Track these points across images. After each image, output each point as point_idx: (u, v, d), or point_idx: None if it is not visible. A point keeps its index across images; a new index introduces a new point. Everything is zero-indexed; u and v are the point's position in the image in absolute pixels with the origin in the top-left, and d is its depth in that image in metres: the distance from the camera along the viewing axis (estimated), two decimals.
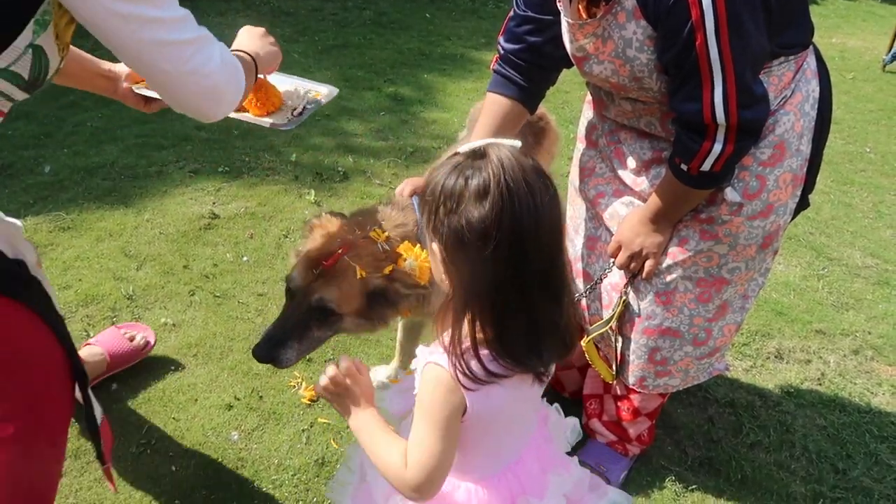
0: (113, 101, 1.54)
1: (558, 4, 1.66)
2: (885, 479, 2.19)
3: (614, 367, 1.91)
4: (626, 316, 1.84)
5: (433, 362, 1.16)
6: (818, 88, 1.67)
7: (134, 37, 1.16)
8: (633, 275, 1.79)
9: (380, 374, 2.37)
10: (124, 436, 2.09)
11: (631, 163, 1.79)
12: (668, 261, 1.74)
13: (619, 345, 1.88)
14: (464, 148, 1.13)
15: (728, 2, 1.36)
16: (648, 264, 1.74)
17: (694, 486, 2.10)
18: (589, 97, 1.95)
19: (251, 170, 3.59)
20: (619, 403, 2.07)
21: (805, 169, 1.70)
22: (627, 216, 1.78)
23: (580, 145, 1.99)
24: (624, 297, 1.81)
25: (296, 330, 1.63)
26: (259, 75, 1.59)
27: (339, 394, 1.28)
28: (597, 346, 1.96)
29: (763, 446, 2.26)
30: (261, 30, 1.63)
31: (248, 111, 1.75)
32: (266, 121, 1.74)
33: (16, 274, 1.29)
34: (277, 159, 3.69)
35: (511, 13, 1.82)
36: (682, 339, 1.82)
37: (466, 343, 1.13)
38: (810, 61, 1.66)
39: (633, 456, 2.13)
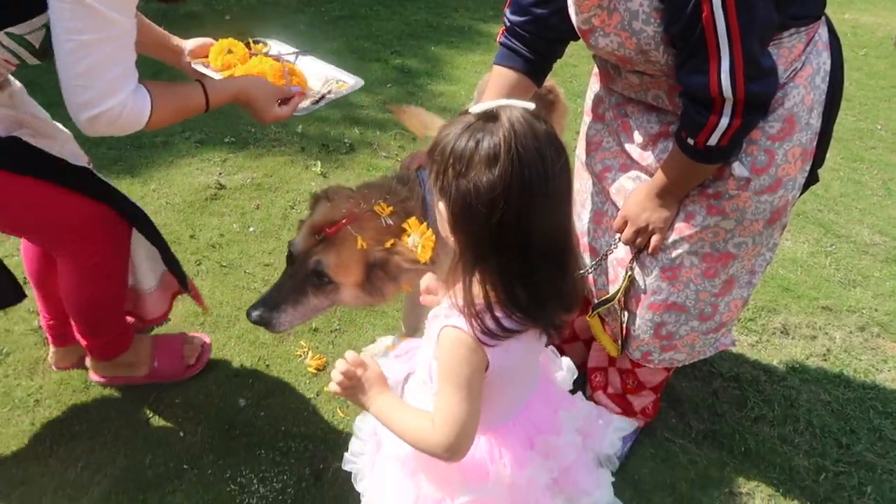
0: None
1: None
2: (888, 455, 2.20)
3: (620, 342, 1.91)
4: (631, 291, 1.83)
5: (450, 325, 1.17)
6: (829, 61, 1.64)
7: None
8: (639, 250, 1.78)
9: (386, 343, 2.38)
10: (133, 403, 2.11)
11: (638, 137, 1.77)
12: (673, 236, 1.73)
13: (625, 320, 1.88)
14: (476, 108, 1.11)
15: None
16: (654, 239, 1.73)
17: (697, 459, 2.11)
18: (596, 70, 1.93)
19: (257, 141, 3.58)
20: (623, 377, 2.07)
21: (815, 143, 1.67)
22: (634, 191, 1.76)
23: (587, 118, 1.98)
24: (630, 273, 1.80)
25: (292, 294, 1.62)
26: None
27: (354, 386, 1.29)
28: (602, 321, 1.96)
29: (767, 420, 2.27)
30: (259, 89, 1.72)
31: None
32: None
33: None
34: (283, 130, 3.67)
35: None
36: (687, 313, 1.82)
37: (479, 302, 1.13)
38: (822, 33, 1.63)
39: (638, 428, 2.14)
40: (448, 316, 1.18)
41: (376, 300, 1.69)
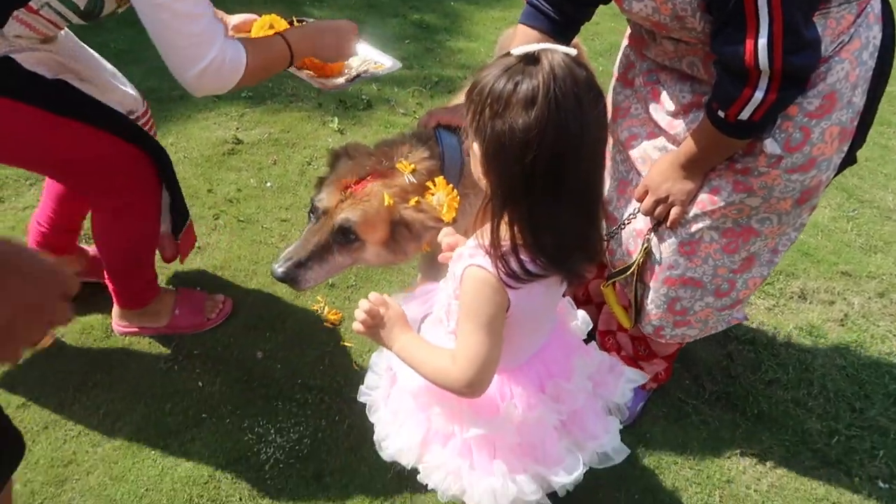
0: (137, 22, 1.51)
1: None
2: None
3: (632, 314, 1.90)
4: (647, 264, 1.81)
5: (475, 265, 1.19)
6: (881, 35, 1.53)
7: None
8: (658, 222, 1.74)
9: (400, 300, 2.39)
10: (152, 353, 2.14)
11: (668, 105, 1.71)
12: (695, 210, 1.68)
13: (640, 293, 1.86)
14: (517, 50, 1.11)
15: None
16: (674, 211, 1.68)
17: (710, 420, 2.12)
18: (629, 32, 1.87)
19: (274, 96, 3.55)
20: (635, 343, 2.07)
21: (856, 123, 1.58)
22: (658, 160, 1.71)
23: (615, 83, 1.92)
24: (646, 245, 1.77)
25: (317, 251, 1.62)
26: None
27: (377, 325, 1.31)
28: (616, 292, 1.94)
29: (781, 383, 2.27)
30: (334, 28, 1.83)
31: (308, 69, 1.93)
32: (316, 81, 1.93)
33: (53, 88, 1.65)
34: (301, 86, 3.64)
35: None
36: (703, 289, 1.79)
37: (505, 244, 1.15)
38: (875, 4, 1.53)
39: (650, 389, 2.15)
40: (473, 256, 1.20)
41: (398, 258, 1.69)
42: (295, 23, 1.97)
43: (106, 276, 2.06)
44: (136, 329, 2.16)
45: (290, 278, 1.62)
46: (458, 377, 1.22)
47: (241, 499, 1.78)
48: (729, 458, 2.04)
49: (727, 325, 1.96)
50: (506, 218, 1.14)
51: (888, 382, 2.32)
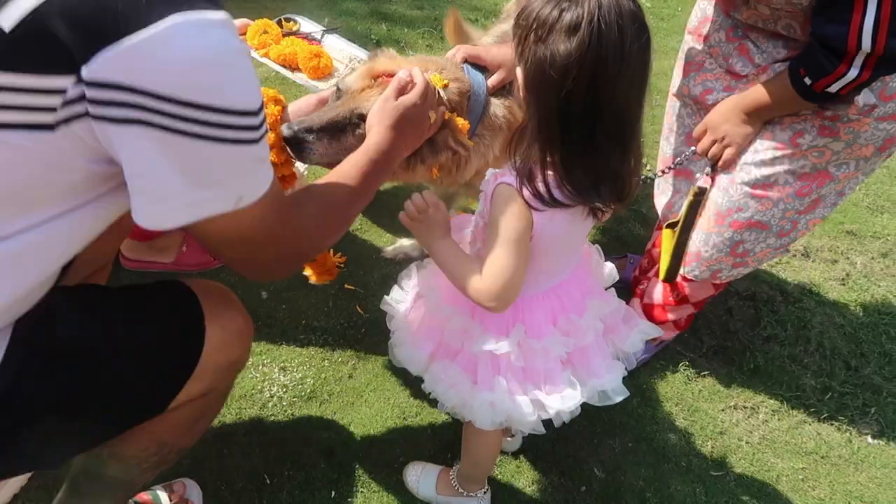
0: None
1: None
2: (895, 379, 2.23)
3: (670, 267, 1.91)
4: (712, 209, 1.80)
5: (504, 183, 1.22)
6: None
7: None
8: (713, 165, 1.75)
9: (406, 246, 2.40)
10: None
11: (758, 59, 1.68)
12: (774, 153, 1.66)
13: (686, 241, 1.86)
14: None
15: None
16: (728, 152, 1.70)
17: (706, 373, 2.16)
18: None
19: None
20: (669, 288, 2.07)
21: None
22: (722, 101, 1.71)
23: (688, 37, 1.89)
24: (696, 189, 1.77)
25: (331, 126, 1.55)
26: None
27: (421, 220, 1.35)
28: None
29: (778, 340, 2.30)
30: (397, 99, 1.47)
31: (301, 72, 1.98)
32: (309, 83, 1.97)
33: None
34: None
35: None
36: (768, 231, 1.78)
37: (535, 167, 1.19)
38: None
39: (661, 342, 2.18)
40: (503, 174, 1.24)
41: (406, 174, 1.67)
42: (283, 23, 1.97)
43: None
44: (144, 263, 2.17)
45: (296, 140, 1.53)
46: (484, 289, 1.26)
47: (245, 433, 1.82)
48: (723, 410, 2.08)
49: (773, 258, 1.97)
50: (540, 143, 1.17)
51: (885, 342, 2.35)
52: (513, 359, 1.36)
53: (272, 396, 1.93)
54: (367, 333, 2.13)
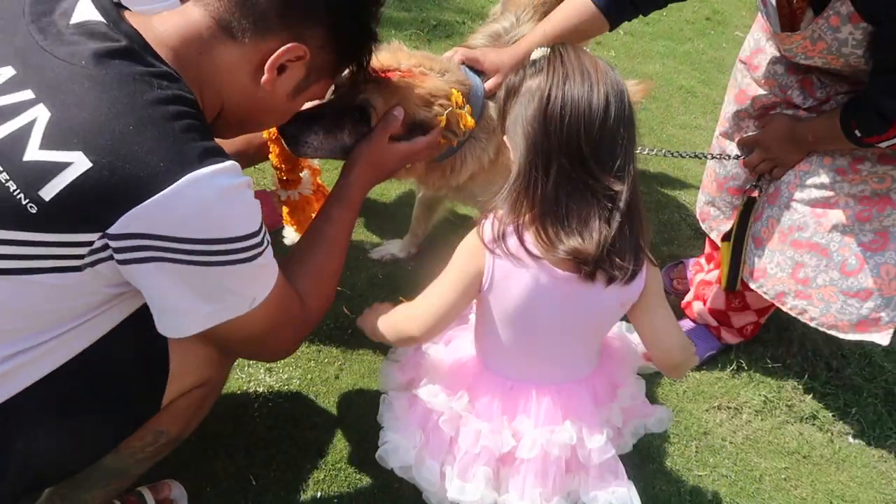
0: None
1: (760, 10, 1.70)
2: (875, 379, 2.26)
3: (730, 277, 1.94)
4: (776, 226, 1.83)
5: (480, 226, 1.25)
6: None
7: None
8: (759, 177, 1.82)
9: (392, 248, 2.40)
10: None
11: (819, 93, 1.73)
12: (834, 176, 1.70)
13: (756, 255, 1.89)
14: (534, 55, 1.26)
15: None
16: (777, 171, 1.78)
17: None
18: (763, 24, 1.82)
19: None
20: (729, 296, 2.10)
21: None
22: (777, 119, 1.77)
23: (740, 65, 1.93)
24: (744, 200, 1.84)
25: (328, 119, 1.54)
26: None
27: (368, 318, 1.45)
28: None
29: (762, 341, 2.32)
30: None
31: None
32: None
33: None
34: None
35: None
36: (829, 259, 1.76)
37: (511, 214, 1.21)
38: None
39: (725, 343, 2.22)
40: (486, 217, 1.26)
41: (401, 172, 1.67)
42: None
43: None
44: None
45: (291, 134, 1.52)
46: (405, 309, 1.30)
47: (230, 434, 1.82)
48: (707, 411, 2.10)
49: (855, 321, 1.80)
50: (524, 186, 1.19)
51: (865, 343, 2.38)
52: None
53: (258, 397, 1.92)
54: (354, 334, 2.13)
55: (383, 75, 1.56)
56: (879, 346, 2.35)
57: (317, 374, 2.00)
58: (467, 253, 1.26)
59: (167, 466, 1.67)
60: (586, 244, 1.15)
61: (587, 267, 1.17)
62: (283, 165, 1.66)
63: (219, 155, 1.05)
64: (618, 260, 1.18)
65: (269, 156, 1.65)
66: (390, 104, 1.53)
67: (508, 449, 1.31)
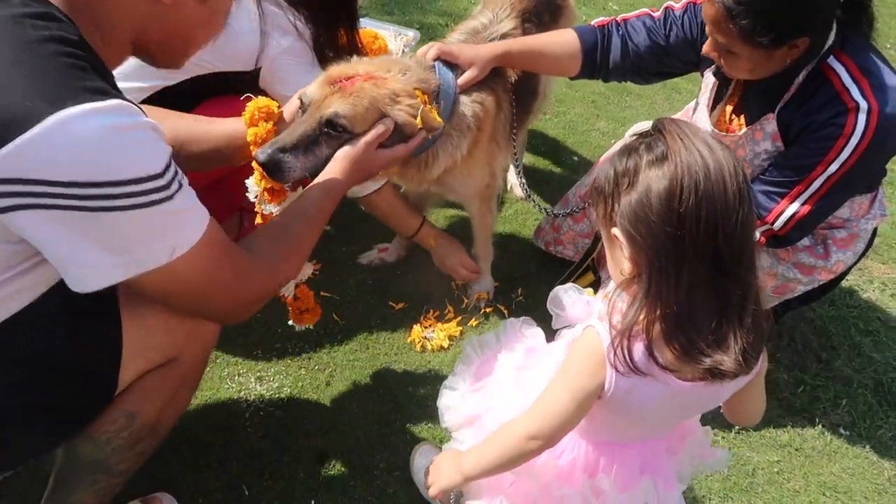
0: None
1: (704, 105, 1.92)
2: (864, 370, 2.27)
3: None
4: None
5: (595, 329, 1.14)
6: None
7: None
8: None
9: (386, 251, 2.41)
10: None
11: None
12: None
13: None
14: (630, 132, 1.18)
15: (859, 159, 1.60)
16: None
17: None
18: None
19: None
20: None
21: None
22: None
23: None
24: None
25: (303, 141, 1.54)
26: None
27: (438, 479, 1.34)
28: None
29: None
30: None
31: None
32: None
33: None
34: None
35: (661, 16, 1.93)
36: None
37: (637, 328, 1.07)
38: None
39: None
40: (602, 319, 1.14)
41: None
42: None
43: None
44: None
45: (273, 162, 1.51)
46: (523, 426, 1.19)
47: (222, 444, 1.80)
48: None
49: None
50: (651, 296, 1.05)
51: (854, 334, 2.40)
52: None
53: (249, 406, 1.91)
54: (343, 340, 2.12)
55: (341, 84, 1.57)
56: (868, 338, 2.38)
57: (308, 381, 1.99)
58: (586, 366, 1.14)
59: (159, 479, 1.66)
60: (726, 359, 1.04)
61: (725, 378, 1.08)
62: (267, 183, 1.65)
63: (101, 94, 0.98)
64: (751, 360, 1.09)
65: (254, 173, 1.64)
66: (357, 109, 1.54)
67: None
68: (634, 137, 1.11)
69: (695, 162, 1.00)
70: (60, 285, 1.11)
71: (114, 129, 0.98)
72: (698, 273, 1.02)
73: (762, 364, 1.20)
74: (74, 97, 0.95)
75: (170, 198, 1.04)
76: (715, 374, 1.06)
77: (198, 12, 1.23)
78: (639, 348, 1.08)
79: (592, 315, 1.19)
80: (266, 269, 1.29)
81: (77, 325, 1.18)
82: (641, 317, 1.06)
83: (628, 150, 1.08)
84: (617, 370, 1.10)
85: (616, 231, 1.09)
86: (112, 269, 1.04)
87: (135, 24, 1.16)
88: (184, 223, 1.10)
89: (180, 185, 1.07)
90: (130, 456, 1.37)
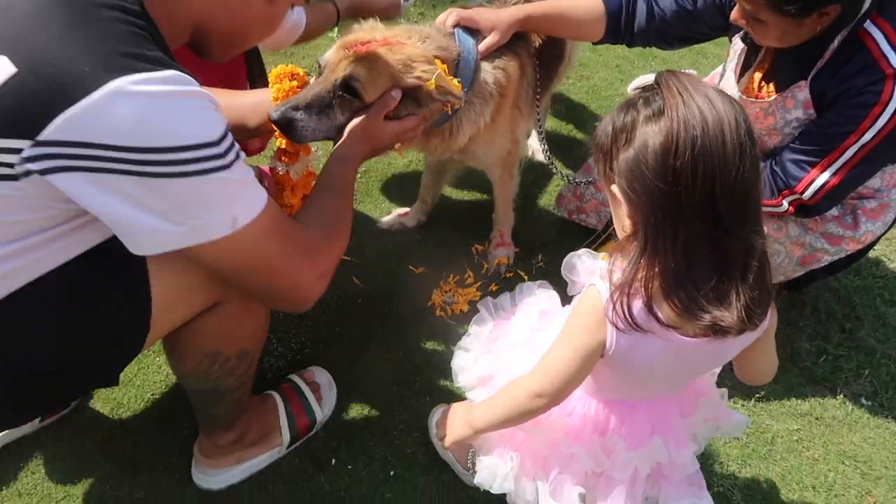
0: None
1: (732, 71, 1.88)
2: (888, 341, 2.24)
3: None
4: None
5: (597, 288, 1.13)
6: None
7: None
8: None
9: (406, 215, 2.40)
10: None
11: None
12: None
13: None
14: (632, 86, 1.15)
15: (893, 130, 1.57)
16: None
17: None
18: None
19: None
20: None
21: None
22: None
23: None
24: None
25: (317, 102, 1.54)
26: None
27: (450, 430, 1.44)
28: None
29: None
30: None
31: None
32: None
33: None
34: None
35: None
36: None
37: (637, 284, 1.07)
38: None
39: None
40: (603, 278, 1.14)
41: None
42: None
43: None
44: None
45: (285, 119, 1.51)
46: (529, 383, 1.21)
47: None
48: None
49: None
50: (649, 254, 1.04)
51: (879, 304, 2.36)
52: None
53: (271, 367, 1.93)
54: (364, 304, 2.13)
55: (356, 49, 1.55)
56: (893, 308, 2.34)
57: (328, 343, 2.01)
58: (587, 324, 1.15)
59: (166, 479, 1.69)
60: (727, 314, 1.03)
61: (727, 335, 1.07)
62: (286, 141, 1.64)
63: (159, 63, 0.98)
64: (755, 316, 1.07)
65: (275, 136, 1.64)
66: (373, 73, 1.52)
67: (601, 470, 1.32)
68: (636, 91, 1.09)
69: (692, 116, 0.97)
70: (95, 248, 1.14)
71: (170, 97, 0.98)
72: (695, 230, 1.00)
73: (771, 320, 1.18)
74: (132, 65, 0.95)
75: (227, 167, 1.04)
76: (717, 331, 1.05)
77: (263, 12, 1.25)
78: (638, 305, 1.07)
79: (594, 274, 1.19)
80: (324, 242, 1.29)
81: (105, 279, 1.19)
82: (640, 274, 1.06)
83: (627, 106, 1.07)
84: (616, 327, 1.10)
85: (615, 188, 1.08)
86: (173, 237, 1.04)
87: (203, 11, 1.17)
88: (242, 194, 1.10)
89: (237, 156, 1.07)
90: (235, 379, 1.46)
